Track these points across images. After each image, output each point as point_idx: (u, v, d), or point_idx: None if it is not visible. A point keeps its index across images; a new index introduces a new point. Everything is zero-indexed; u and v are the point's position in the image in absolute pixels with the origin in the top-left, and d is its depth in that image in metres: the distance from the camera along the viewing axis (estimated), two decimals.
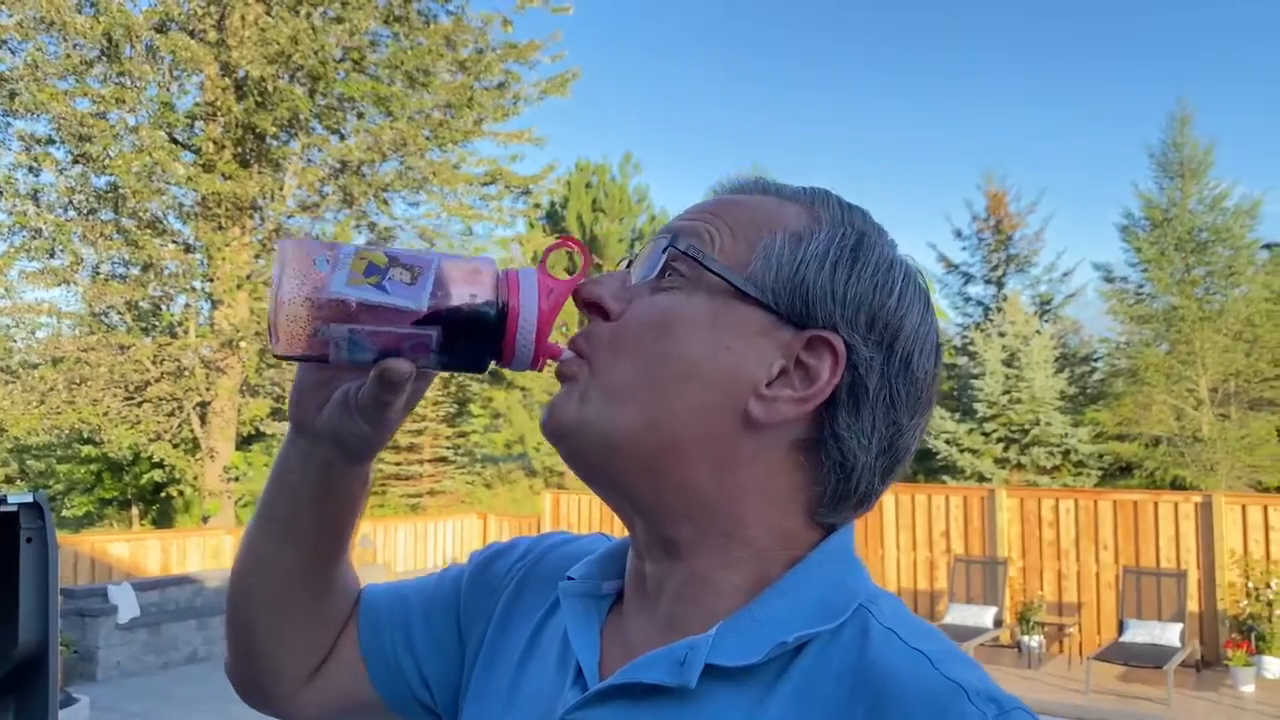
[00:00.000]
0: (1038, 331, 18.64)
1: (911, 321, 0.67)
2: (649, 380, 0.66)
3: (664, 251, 0.69)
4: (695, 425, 0.65)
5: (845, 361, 0.65)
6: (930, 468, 19.49)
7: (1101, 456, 18.34)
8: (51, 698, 1.37)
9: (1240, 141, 50.14)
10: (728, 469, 0.66)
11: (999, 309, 19.62)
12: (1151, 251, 19.32)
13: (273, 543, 0.86)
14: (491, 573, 0.88)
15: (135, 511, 23.72)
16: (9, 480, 24.36)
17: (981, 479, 17.59)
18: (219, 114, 16.71)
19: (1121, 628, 10.00)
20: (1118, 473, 18.72)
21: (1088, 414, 18.94)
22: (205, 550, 13.49)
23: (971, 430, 18.43)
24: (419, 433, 24.02)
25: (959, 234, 21.38)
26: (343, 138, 17.90)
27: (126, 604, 10.98)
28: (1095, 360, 21.32)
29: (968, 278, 21.40)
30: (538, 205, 21.42)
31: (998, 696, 0.59)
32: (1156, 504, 10.72)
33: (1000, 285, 20.74)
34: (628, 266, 0.74)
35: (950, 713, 0.57)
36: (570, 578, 0.76)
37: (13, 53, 15.52)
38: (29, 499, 1.33)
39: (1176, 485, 17.37)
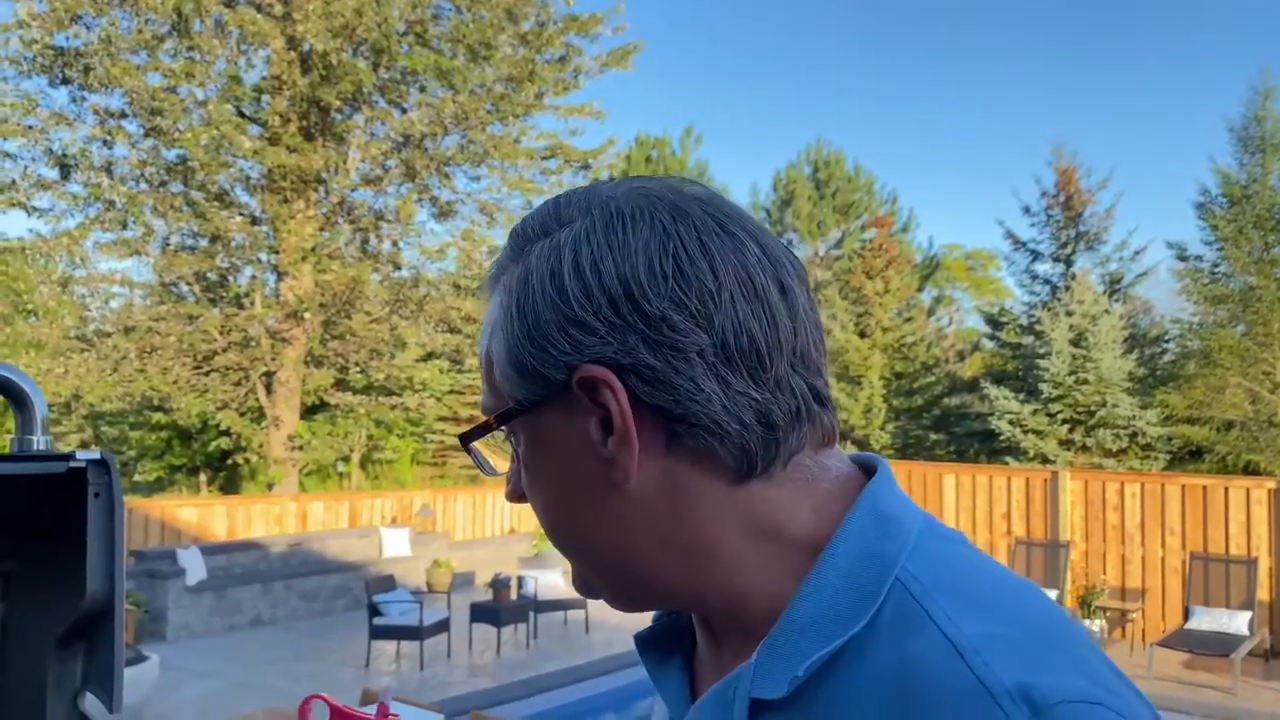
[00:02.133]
0: (1106, 311, 18.20)
1: (612, 276, 0.61)
2: (584, 543, 0.66)
3: (479, 445, 0.70)
4: (619, 541, 0.64)
5: (611, 369, 0.61)
6: (993, 449, 19.21)
7: (1170, 440, 17.90)
8: (118, 647, 1.41)
9: None
10: (669, 540, 0.63)
11: (1067, 288, 19.18)
12: (1229, 229, 18.73)
13: None
14: None
15: (203, 478, 24.36)
16: (84, 445, 25.14)
17: (1045, 461, 17.29)
18: (284, 88, 16.95)
19: (1187, 614, 9.79)
20: (1187, 457, 18.25)
21: (1157, 396, 18.49)
22: (269, 517, 13.82)
23: (1036, 411, 18.10)
24: (479, 404, 24.32)
25: (1027, 210, 20.93)
26: (405, 111, 18.05)
27: (194, 567, 11.30)
28: (1166, 341, 20.78)
29: (1035, 255, 20.94)
30: (597, 180, 21.42)
31: (1033, 693, 0.51)
32: (1227, 489, 10.43)
33: (1069, 263, 20.26)
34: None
35: None
36: (642, 631, 0.75)
37: (88, 28, 15.90)
38: (96, 456, 1.37)
39: (1249, 470, 16.90)
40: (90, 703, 1.46)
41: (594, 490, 0.63)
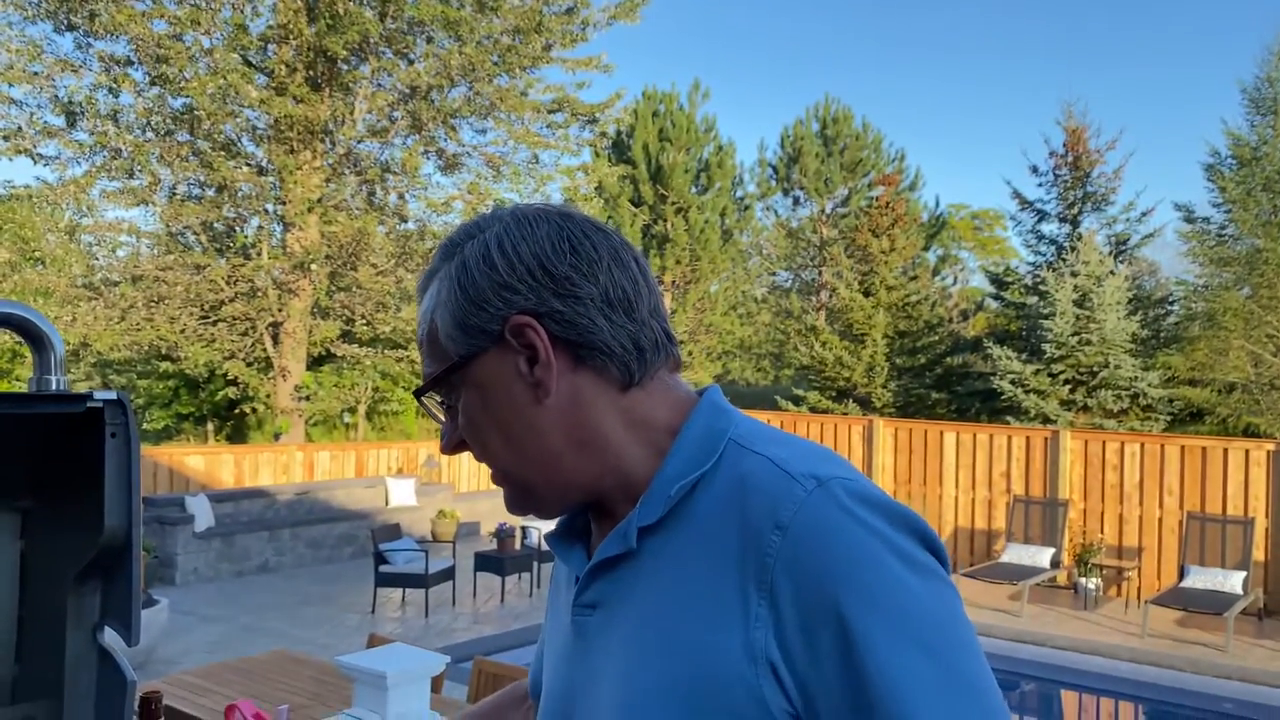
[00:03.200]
0: (1111, 272, 18.13)
1: (528, 254, 0.89)
2: (516, 457, 0.91)
3: (427, 401, 0.96)
4: (546, 448, 0.90)
5: (532, 316, 0.88)
6: (994, 408, 19.25)
7: (1172, 401, 17.92)
8: (135, 582, 1.46)
9: None
10: (567, 439, 0.90)
11: (1073, 248, 19.09)
12: (1237, 191, 18.60)
13: None
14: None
15: (210, 427, 24.51)
16: None
17: (1046, 421, 17.34)
18: (291, 37, 16.80)
19: (1182, 573, 9.90)
20: (1188, 418, 18.28)
21: (1159, 358, 18.47)
22: (277, 466, 13.94)
23: (1038, 371, 18.10)
24: None
25: (1035, 170, 20.76)
26: (411, 62, 17.91)
27: (202, 514, 11.44)
28: (1170, 303, 20.71)
29: (1042, 215, 20.81)
30: (604, 134, 21.23)
31: (820, 474, 0.80)
32: (1226, 450, 10.50)
33: (1075, 224, 20.15)
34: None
35: (781, 492, 0.80)
36: (550, 532, 1.04)
37: None
38: (113, 396, 1.42)
39: (1249, 433, 16.95)
40: (109, 636, 1.53)
41: (524, 412, 0.89)
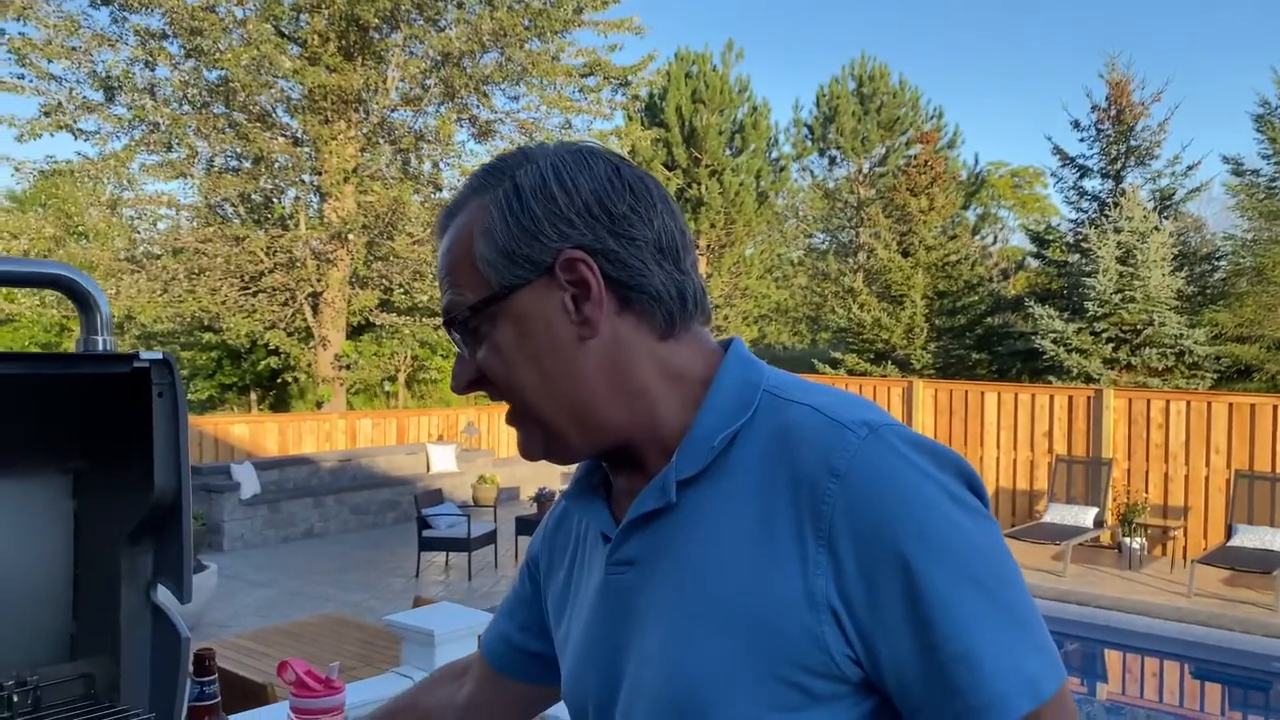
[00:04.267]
0: (1156, 228, 17.76)
1: (586, 189, 0.87)
2: (547, 397, 0.88)
3: (453, 329, 0.90)
4: (582, 390, 0.87)
5: (588, 253, 0.86)
6: (1035, 368, 19.01)
7: (1218, 359, 17.59)
8: (186, 541, 1.47)
9: None
10: (604, 382, 0.87)
11: (1116, 204, 18.72)
12: None
13: None
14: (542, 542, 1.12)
15: (254, 396, 24.87)
16: None
17: (1089, 380, 17.10)
18: (323, 5, 16.81)
19: (1230, 532, 9.75)
20: (1235, 376, 17.95)
21: (1206, 314, 18.12)
22: (320, 433, 14.13)
23: (1081, 330, 17.84)
24: None
25: (1077, 125, 20.32)
26: (442, 29, 17.85)
27: (248, 482, 11.63)
28: (1218, 259, 20.27)
29: (1084, 171, 20.39)
30: (636, 97, 21.09)
31: (872, 422, 0.80)
32: (1276, 407, 10.30)
33: (1119, 179, 19.73)
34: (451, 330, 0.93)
35: (833, 440, 0.79)
36: (567, 490, 1.01)
37: None
38: (159, 356, 1.42)
39: None
40: (162, 593, 1.55)
41: (565, 351, 0.86)
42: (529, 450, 0.92)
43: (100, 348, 1.47)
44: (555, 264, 0.86)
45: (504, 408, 0.93)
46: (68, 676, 1.50)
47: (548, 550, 1.08)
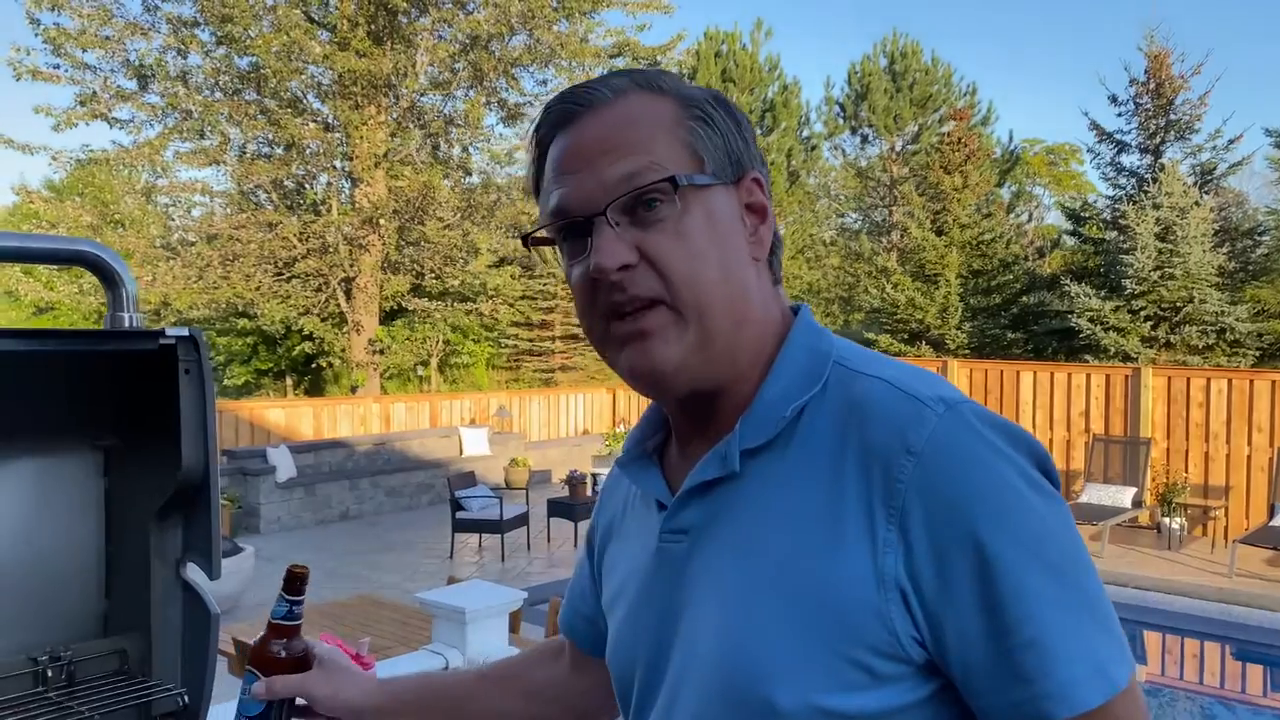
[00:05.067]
0: (1196, 203, 17.43)
1: (746, 123, 0.89)
2: (715, 294, 0.82)
3: (642, 190, 0.81)
4: (740, 310, 0.84)
5: (764, 184, 0.88)
6: (1072, 347, 18.76)
7: (1261, 336, 17.27)
8: (215, 518, 1.47)
9: None
10: (750, 309, 0.85)
11: (1155, 179, 18.38)
12: None
13: None
14: (596, 522, 1.11)
15: (289, 381, 25.11)
16: None
17: (1127, 359, 16.86)
18: None
19: (1272, 512, 9.59)
20: (1278, 353, 17.64)
21: (1248, 291, 17.79)
22: (354, 417, 14.23)
23: (1118, 308, 17.57)
24: (550, 310, 24.46)
25: (1114, 100, 19.94)
26: (470, 12, 17.83)
27: (284, 465, 11.74)
28: (1260, 234, 19.86)
29: (1122, 146, 20.02)
30: None
31: (949, 398, 0.77)
32: None
33: (1158, 154, 19.37)
34: (571, 229, 0.85)
35: (909, 416, 0.76)
36: (620, 457, 0.98)
37: None
38: (185, 333, 1.42)
39: None
40: (192, 570, 1.55)
41: (742, 261, 0.84)
42: (663, 355, 0.82)
43: (127, 324, 1.47)
44: (744, 180, 0.86)
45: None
46: (101, 652, 1.51)
47: (604, 520, 1.07)
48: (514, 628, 4.45)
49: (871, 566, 0.75)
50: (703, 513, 0.86)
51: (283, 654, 1.12)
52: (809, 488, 0.79)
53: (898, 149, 27.78)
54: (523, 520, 10.21)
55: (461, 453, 14.01)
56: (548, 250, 0.91)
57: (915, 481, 0.74)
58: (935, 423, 0.75)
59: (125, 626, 1.53)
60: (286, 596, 1.11)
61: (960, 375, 12.39)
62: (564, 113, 0.85)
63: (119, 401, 1.54)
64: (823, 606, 0.76)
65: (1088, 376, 11.56)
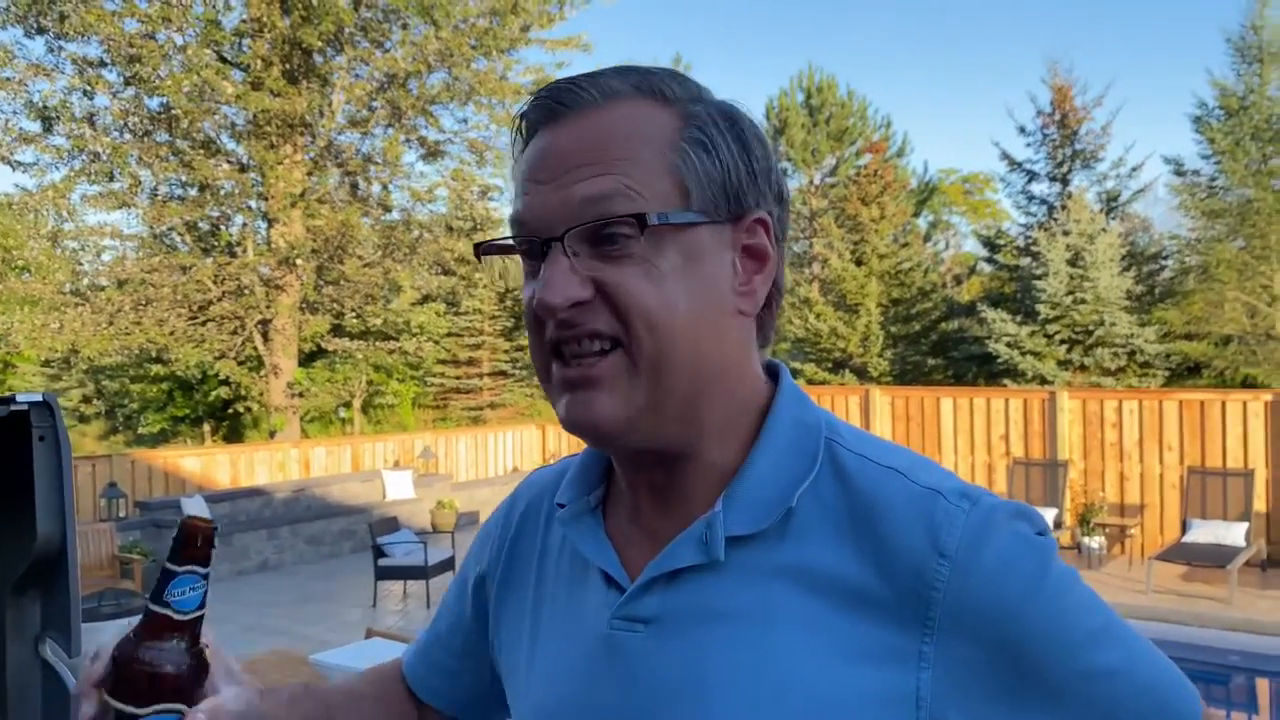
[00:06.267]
0: (1104, 229, 18.06)
1: (775, 162, 0.76)
2: (679, 344, 0.70)
3: (604, 222, 0.70)
4: (708, 368, 0.72)
5: (771, 220, 0.75)
6: (990, 371, 19.21)
7: (1169, 356, 17.89)
8: (74, 591, 1.39)
9: None
10: (724, 369, 0.74)
11: (1064, 207, 19.00)
12: (1225, 142, 18.50)
13: None
14: (488, 551, 0.95)
15: (207, 428, 24.46)
16: (86, 400, 25.20)
17: (1044, 382, 17.30)
18: (265, 30, 16.64)
19: (1185, 528, 9.86)
20: (1185, 373, 18.26)
21: (1155, 313, 18.43)
22: (273, 464, 13.87)
23: (1034, 332, 18.07)
24: (477, 347, 24.28)
25: (1023, 130, 20.65)
26: (387, 50, 17.74)
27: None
28: (1164, 258, 20.64)
29: (1031, 175, 20.71)
30: None
31: (969, 492, 0.71)
32: (1224, 403, 10.44)
33: (1065, 182, 20.06)
34: (527, 249, 0.74)
35: (935, 514, 0.69)
36: (560, 505, 0.84)
37: None
38: (39, 398, 1.33)
39: (1247, 384, 16.92)
40: (51, 648, 1.45)
41: (721, 313, 0.73)
42: (606, 411, 0.71)
43: None
44: (744, 219, 0.74)
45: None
46: None
47: (501, 568, 0.91)
48: None
49: (898, 681, 0.68)
50: (669, 602, 0.74)
51: (196, 663, 0.78)
52: (810, 587, 0.71)
53: (816, 182, 28.31)
54: (449, 565, 10.00)
55: (385, 497, 13.72)
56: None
57: (953, 587, 0.68)
58: (964, 521, 0.69)
59: None
60: (198, 570, 0.77)
61: (883, 403, 12.55)
62: (548, 109, 0.74)
63: None
64: None
65: (1006, 401, 11.80)
